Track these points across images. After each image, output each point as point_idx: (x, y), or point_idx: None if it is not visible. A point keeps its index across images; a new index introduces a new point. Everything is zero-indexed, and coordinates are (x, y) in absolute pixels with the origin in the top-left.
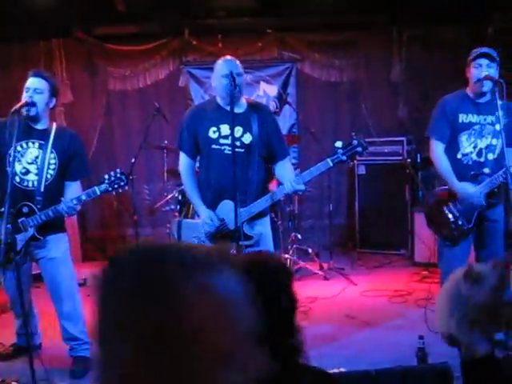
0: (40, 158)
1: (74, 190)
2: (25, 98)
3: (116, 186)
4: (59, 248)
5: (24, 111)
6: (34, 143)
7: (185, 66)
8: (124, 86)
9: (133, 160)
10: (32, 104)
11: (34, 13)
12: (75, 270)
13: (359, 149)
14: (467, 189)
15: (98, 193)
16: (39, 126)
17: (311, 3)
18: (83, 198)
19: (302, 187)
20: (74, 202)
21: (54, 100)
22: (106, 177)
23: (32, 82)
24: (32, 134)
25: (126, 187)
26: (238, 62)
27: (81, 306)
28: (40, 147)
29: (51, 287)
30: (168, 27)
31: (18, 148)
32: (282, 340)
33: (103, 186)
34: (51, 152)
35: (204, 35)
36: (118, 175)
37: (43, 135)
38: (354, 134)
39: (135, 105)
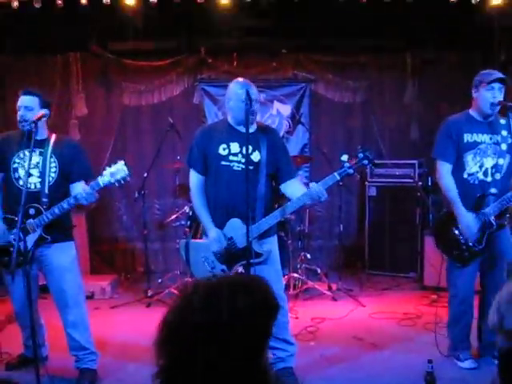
0: (41, 162)
1: (79, 189)
2: (19, 115)
3: (119, 177)
4: (66, 256)
5: (20, 127)
6: (34, 151)
7: (200, 83)
8: (139, 102)
9: (145, 175)
10: (24, 121)
11: (52, 26)
12: (83, 282)
13: (365, 161)
14: (466, 219)
15: (101, 185)
16: (38, 137)
17: (326, 25)
18: (88, 190)
19: (325, 194)
20: (83, 193)
21: (46, 111)
22: (107, 168)
23: (22, 101)
24: (33, 144)
25: (128, 178)
26: (253, 85)
27: (87, 315)
28: (40, 154)
29: (57, 295)
30: (184, 45)
31: (21, 155)
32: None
33: (106, 178)
34: (51, 157)
35: (220, 53)
36: (120, 167)
37: (43, 144)
38: (360, 147)
39: (149, 120)
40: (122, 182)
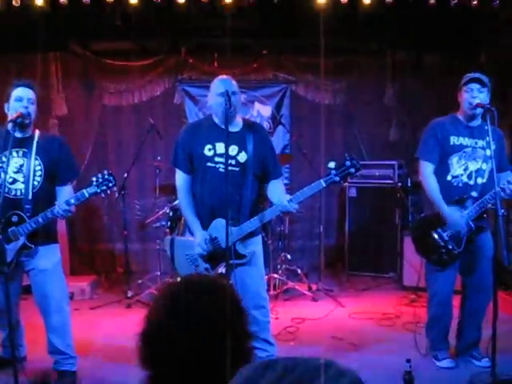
0: (25, 166)
1: (66, 195)
2: (19, 108)
3: (104, 187)
4: (50, 259)
5: (19, 120)
6: (17, 152)
7: (180, 83)
8: (119, 102)
9: (125, 175)
10: (28, 114)
11: (32, 25)
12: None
13: (352, 170)
14: (453, 215)
15: (87, 195)
16: (21, 135)
17: (307, 27)
18: (72, 201)
19: (296, 206)
20: (64, 206)
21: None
22: (94, 179)
23: (25, 93)
24: (15, 144)
25: (115, 188)
26: (233, 81)
27: (69, 319)
28: (24, 155)
29: (40, 299)
30: (165, 45)
31: (3, 158)
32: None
33: (92, 189)
34: (35, 159)
35: (200, 54)
36: (106, 176)
37: (26, 143)
38: (346, 154)
39: (129, 120)
40: (108, 192)
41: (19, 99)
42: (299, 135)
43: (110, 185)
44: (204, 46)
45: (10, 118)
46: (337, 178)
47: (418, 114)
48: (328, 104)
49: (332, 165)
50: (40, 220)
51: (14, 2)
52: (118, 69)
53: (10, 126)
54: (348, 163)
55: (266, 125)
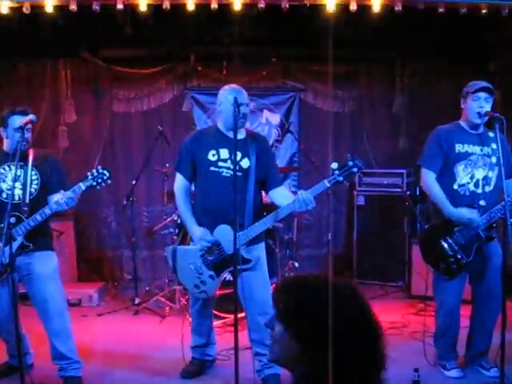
0: (22, 175)
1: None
2: (19, 139)
3: (100, 180)
4: (47, 265)
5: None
6: (15, 165)
7: (189, 90)
8: (128, 109)
9: (133, 182)
10: (27, 142)
11: (42, 32)
12: (67, 289)
13: (355, 169)
14: (465, 214)
15: (83, 187)
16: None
17: (315, 35)
18: (69, 194)
19: (313, 203)
20: (64, 199)
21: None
22: (89, 173)
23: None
24: (13, 158)
25: (109, 181)
26: (244, 91)
27: (70, 323)
28: (21, 167)
29: (39, 305)
30: (174, 52)
31: (1, 170)
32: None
33: (88, 182)
34: (32, 170)
35: (209, 61)
36: (100, 170)
37: (22, 158)
38: (349, 155)
39: (138, 127)
40: (103, 184)
41: (19, 130)
42: (308, 143)
43: (105, 177)
44: (213, 53)
45: (19, 124)
46: (340, 178)
47: (427, 122)
48: (337, 112)
49: (335, 165)
50: (38, 217)
51: (24, 9)
52: (127, 76)
53: (18, 133)
54: (350, 163)
55: (274, 132)
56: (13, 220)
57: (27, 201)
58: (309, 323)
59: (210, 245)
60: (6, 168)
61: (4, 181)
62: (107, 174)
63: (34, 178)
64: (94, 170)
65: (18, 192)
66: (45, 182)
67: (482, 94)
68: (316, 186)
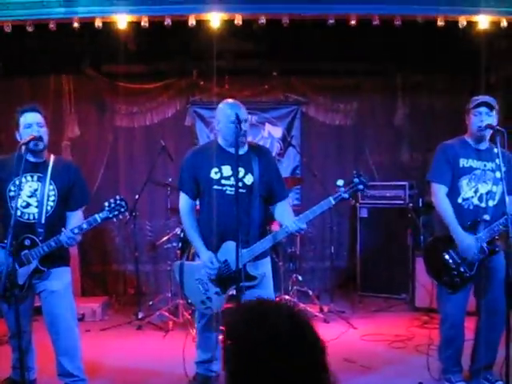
0: (39, 190)
1: (76, 220)
2: (31, 133)
3: (116, 212)
4: (61, 281)
5: (32, 146)
6: (32, 176)
7: (191, 105)
8: (131, 123)
9: (136, 196)
10: (40, 138)
11: (45, 48)
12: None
13: (360, 186)
14: (466, 240)
15: (99, 220)
16: (35, 159)
17: (316, 49)
18: (84, 226)
19: (305, 226)
20: (76, 230)
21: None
22: (106, 204)
23: (33, 118)
24: (30, 168)
25: (127, 213)
26: (242, 106)
27: (79, 341)
28: (39, 180)
29: (50, 321)
30: (176, 67)
31: (17, 182)
32: None
33: (104, 214)
34: (50, 184)
35: (211, 76)
36: (118, 201)
37: (41, 168)
38: (355, 172)
39: (141, 142)
40: (121, 216)
41: (28, 126)
42: (310, 156)
43: (122, 210)
44: (215, 68)
45: (22, 141)
46: (346, 195)
47: (429, 134)
48: (339, 125)
49: (340, 182)
50: (53, 244)
51: (28, 28)
52: (129, 91)
53: (22, 149)
54: (356, 180)
55: (276, 146)
56: (27, 242)
57: (43, 221)
58: (233, 348)
59: (214, 273)
60: (23, 180)
61: (20, 195)
62: (125, 207)
63: (51, 193)
64: (112, 201)
65: (33, 211)
66: (64, 197)
67: (483, 109)
68: (321, 203)
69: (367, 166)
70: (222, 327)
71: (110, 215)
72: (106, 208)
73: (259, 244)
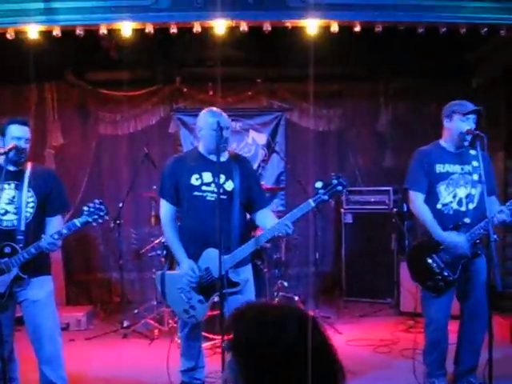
0: (17, 197)
1: (55, 225)
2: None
3: (96, 216)
4: (43, 290)
5: (14, 156)
6: (9, 184)
7: (175, 112)
8: (115, 131)
9: (120, 204)
10: (23, 151)
11: (27, 56)
12: (58, 313)
13: (339, 187)
14: (453, 238)
15: (79, 225)
16: (13, 168)
17: (300, 55)
18: (64, 231)
19: (291, 228)
20: (55, 236)
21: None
22: (85, 208)
23: (22, 132)
24: (7, 176)
25: (106, 217)
26: (224, 114)
27: (62, 350)
28: (16, 187)
29: (32, 330)
30: (160, 74)
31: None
32: None
33: (83, 218)
34: (28, 191)
35: (195, 83)
36: (97, 206)
37: (18, 176)
38: (333, 174)
39: (125, 149)
40: (100, 221)
41: (17, 139)
42: (294, 162)
43: (102, 213)
44: (198, 75)
45: (1, 150)
46: (325, 197)
47: (412, 139)
48: (322, 131)
49: (319, 184)
50: (33, 250)
51: (7, 36)
52: (113, 99)
53: (2, 158)
54: (335, 181)
55: (261, 153)
56: (7, 250)
57: (22, 228)
58: (255, 361)
59: (194, 282)
60: (5, 186)
61: None
62: (104, 210)
63: (29, 200)
64: (91, 205)
65: (11, 217)
66: (43, 203)
67: (472, 116)
68: (301, 206)
69: (351, 171)
70: (228, 339)
71: (90, 219)
72: (85, 212)
73: (241, 249)
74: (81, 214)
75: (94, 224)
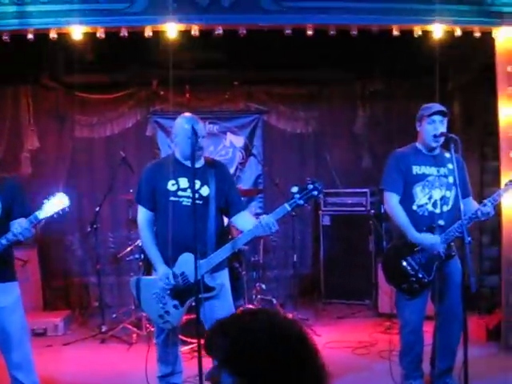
0: None
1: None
2: None
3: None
4: (10, 296)
5: None
6: None
7: (152, 115)
8: (91, 134)
9: (97, 209)
10: None
11: (2, 59)
12: (32, 318)
13: (315, 192)
14: (428, 239)
15: (40, 218)
16: None
17: (276, 58)
18: (25, 225)
19: (276, 226)
20: (19, 229)
21: None
22: (46, 201)
23: None
24: None
25: (67, 209)
26: (200, 121)
27: (31, 355)
28: None
29: (0, 336)
30: (136, 77)
31: None
32: None
33: (44, 213)
34: None
35: (172, 86)
36: (59, 198)
37: None
38: (308, 178)
39: (102, 153)
40: (61, 212)
41: None
42: (272, 165)
43: (63, 206)
44: (175, 77)
45: None
46: (301, 202)
47: (389, 141)
48: (300, 133)
49: (295, 189)
50: (4, 242)
51: None
52: (89, 102)
53: None
54: (310, 186)
55: (238, 155)
56: None
57: None
58: (255, 370)
59: (168, 288)
60: None
61: None
62: (67, 203)
63: None
64: (52, 198)
65: None
66: (7, 207)
67: (437, 117)
68: (277, 210)
69: (329, 173)
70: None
71: (51, 213)
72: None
73: (217, 254)
74: (40, 207)
75: (55, 216)
